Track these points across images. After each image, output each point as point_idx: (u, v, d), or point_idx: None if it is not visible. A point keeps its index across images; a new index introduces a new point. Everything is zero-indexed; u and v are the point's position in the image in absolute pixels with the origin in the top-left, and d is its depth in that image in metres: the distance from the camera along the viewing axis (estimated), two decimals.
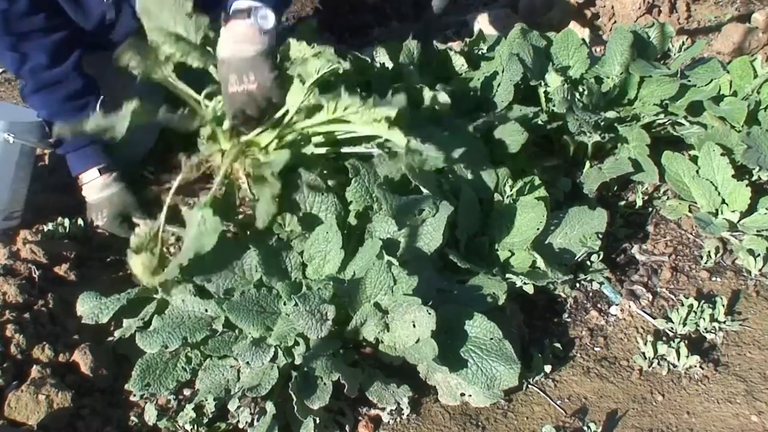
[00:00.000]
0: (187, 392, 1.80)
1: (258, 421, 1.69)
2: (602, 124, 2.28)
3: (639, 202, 2.35)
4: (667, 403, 1.75)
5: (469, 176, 2.07)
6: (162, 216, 1.80)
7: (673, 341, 1.86)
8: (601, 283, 2.08)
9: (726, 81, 2.46)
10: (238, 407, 1.70)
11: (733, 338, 1.91)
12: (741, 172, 2.19)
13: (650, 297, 2.05)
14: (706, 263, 2.15)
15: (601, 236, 2.03)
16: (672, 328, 1.93)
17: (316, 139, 1.92)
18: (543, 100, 2.37)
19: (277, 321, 1.73)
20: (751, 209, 2.15)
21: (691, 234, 2.26)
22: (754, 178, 2.24)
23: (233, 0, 1.82)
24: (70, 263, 2.22)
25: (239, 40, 1.79)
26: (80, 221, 2.42)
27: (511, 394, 1.79)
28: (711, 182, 2.18)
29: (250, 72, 1.79)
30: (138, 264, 1.77)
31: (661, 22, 2.59)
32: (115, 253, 2.36)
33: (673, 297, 2.06)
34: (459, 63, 2.56)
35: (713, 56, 2.62)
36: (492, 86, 2.43)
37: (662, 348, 1.84)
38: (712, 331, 1.92)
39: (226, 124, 1.86)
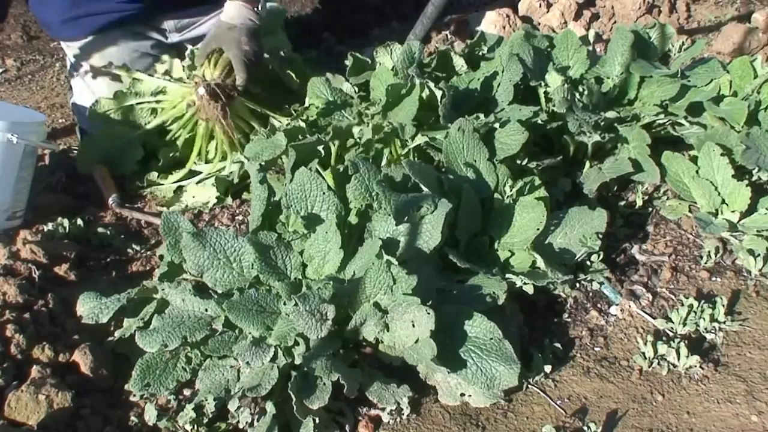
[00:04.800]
0: (187, 392, 1.80)
1: (258, 421, 1.69)
2: (602, 124, 2.28)
3: (639, 202, 2.35)
4: (667, 403, 1.75)
5: (470, 176, 2.08)
6: None
7: (673, 341, 1.86)
8: (601, 283, 2.08)
9: (726, 81, 2.46)
10: (238, 407, 1.70)
11: (733, 338, 1.91)
12: (741, 172, 2.19)
13: (650, 297, 2.05)
14: (706, 263, 2.15)
15: (601, 236, 2.03)
16: (672, 328, 1.93)
17: None
18: (543, 100, 2.37)
19: (277, 321, 1.73)
20: (751, 209, 2.15)
21: (691, 234, 2.26)
22: (754, 179, 2.23)
23: None
24: (70, 263, 2.23)
25: (245, 14, 2.56)
26: (80, 221, 2.43)
27: (511, 394, 1.79)
28: (711, 182, 2.18)
29: (255, 37, 2.58)
30: None
31: (662, 23, 2.59)
32: (115, 253, 2.37)
33: (673, 297, 2.06)
34: (459, 63, 2.56)
35: (713, 56, 2.62)
36: (492, 86, 2.43)
37: (662, 348, 1.84)
38: (712, 331, 1.92)
39: (240, 77, 2.54)
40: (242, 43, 2.52)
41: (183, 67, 2.72)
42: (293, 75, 2.83)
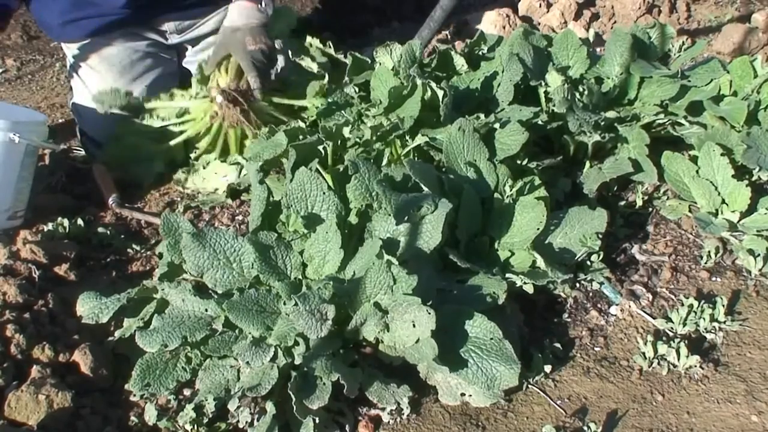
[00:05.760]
0: (187, 392, 1.80)
1: (258, 421, 1.69)
2: (602, 124, 2.28)
3: (639, 202, 2.35)
4: (667, 403, 1.75)
5: (470, 175, 2.08)
6: None
7: (673, 341, 1.86)
8: (601, 283, 2.08)
9: (726, 81, 2.46)
10: (238, 407, 1.70)
11: (733, 338, 1.91)
12: (741, 172, 2.19)
13: (650, 297, 2.05)
14: (706, 263, 2.15)
15: (601, 236, 2.03)
16: (672, 328, 1.93)
17: None
18: (543, 100, 2.37)
19: (277, 321, 1.73)
20: (751, 209, 2.15)
21: (691, 234, 2.26)
22: (754, 178, 2.23)
23: None
24: (70, 263, 2.23)
25: (247, 14, 2.53)
26: (80, 221, 2.43)
27: (511, 394, 1.79)
28: (711, 182, 2.18)
29: (261, 35, 2.53)
30: None
31: (662, 23, 2.59)
32: (115, 253, 2.37)
33: (673, 297, 2.06)
34: (459, 63, 2.56)
35: (713, 56, 2.62)
36: (492, 86, 2.43)
37: (662, 348, 1.84)
38: (712, 331, 1.92)
39: (251, 77, 2.51)
40: (248, 44, 2.49)
41: (194, 82, 2.68)
42: (309, 59, 2.74)
